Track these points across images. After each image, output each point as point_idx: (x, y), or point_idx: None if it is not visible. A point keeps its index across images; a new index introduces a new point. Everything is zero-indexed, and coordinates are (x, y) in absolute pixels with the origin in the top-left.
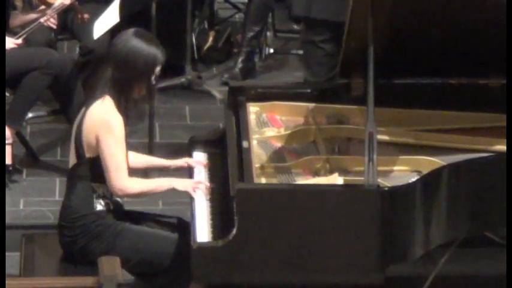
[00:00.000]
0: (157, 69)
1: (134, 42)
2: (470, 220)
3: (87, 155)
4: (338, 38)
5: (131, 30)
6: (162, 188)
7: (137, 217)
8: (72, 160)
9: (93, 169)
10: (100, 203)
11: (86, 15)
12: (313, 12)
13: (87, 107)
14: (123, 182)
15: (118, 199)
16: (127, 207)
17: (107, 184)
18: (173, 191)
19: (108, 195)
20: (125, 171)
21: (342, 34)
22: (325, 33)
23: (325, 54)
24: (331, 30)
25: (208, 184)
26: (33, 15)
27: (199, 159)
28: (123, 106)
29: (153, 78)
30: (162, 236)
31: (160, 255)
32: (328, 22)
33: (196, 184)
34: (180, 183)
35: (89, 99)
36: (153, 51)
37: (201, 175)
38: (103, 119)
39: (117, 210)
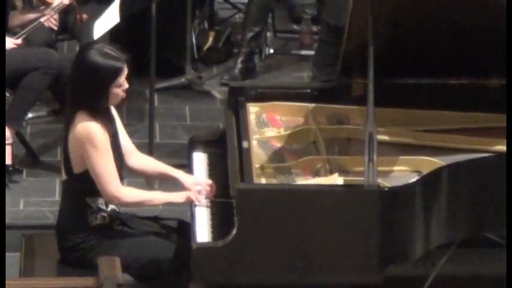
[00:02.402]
0: (118, 80)
1: (89, 57)
2: (470, 220)
3: (76, 171)
4: None
5: (91, 44)
6: (159, 202)
7: (136, 222)
8: (63, 175)
9: (83, 184)
10: (95, 218)
11: (84, 16)
12: (341, 20)
13: (69, 124)
14: (116, 191)
15: (114, 207)
16: (128, 208)
17: (102, 194)
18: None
19: (103, 207)
20: (117, 180)
21: None
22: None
23: (337, 55)
24: None
25: (207, 187)
26: (32, 16)
27: (201, 171)
28: (97, 113)
29: (113, 89)
30: (160, 240)
31: (160, 259)
32: None
33: (195, 191)
34: (179, 196)
35: (68, 116)
36: (110, 62)
37: (202, 174)
38: (84, 134)
39: (114, 219)
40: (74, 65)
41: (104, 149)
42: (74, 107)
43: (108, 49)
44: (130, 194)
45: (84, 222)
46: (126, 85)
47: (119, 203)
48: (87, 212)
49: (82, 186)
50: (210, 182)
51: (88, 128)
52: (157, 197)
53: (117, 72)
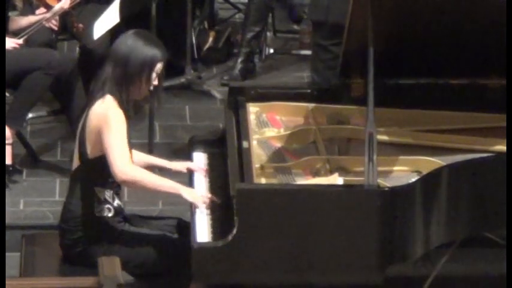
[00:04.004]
0: (158, 66)
1: (133, 41)
2: (470, 220)
3: (90, 155)
4: None
5: (131, 31)
6: (165, 189)
7: (137, 221)
8: (75, 162)
9: (95, 171)
10: (101, 208)
11: (80, 25)
12: (330, 16)
13: (89, 107)
14: (124, 165)
15: (120, 203)
16: (127, 207)
17: (110, 170)
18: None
19: (110, 200)
20: (127, 156)
21: None
22: (336, 37)
23: (334, 57)
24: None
25: (214, 198)
26: (31, 20)
27: (199, 162)
28: (125, 104)
29: (153, 76)
30: (161, 238)
31: (160, 258)
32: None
33: (204, 198)
34: (189, 194)
35: (90, 99)
36: (151, 49)
37: (201, 180)
38: (103, 114)
39: (118, 214)
40: (115, 49)
41: (119, 128)
42: (105, 89)
43: (149, 36)
44: (139, 171)
45: (89, 211)
46: (156, 81)
47: (126, 178)
48: (94, 201)
49: (93, 174)
50: (202, 167)
51: (109, 111)
52: (167, 183)
53: (159, 57)
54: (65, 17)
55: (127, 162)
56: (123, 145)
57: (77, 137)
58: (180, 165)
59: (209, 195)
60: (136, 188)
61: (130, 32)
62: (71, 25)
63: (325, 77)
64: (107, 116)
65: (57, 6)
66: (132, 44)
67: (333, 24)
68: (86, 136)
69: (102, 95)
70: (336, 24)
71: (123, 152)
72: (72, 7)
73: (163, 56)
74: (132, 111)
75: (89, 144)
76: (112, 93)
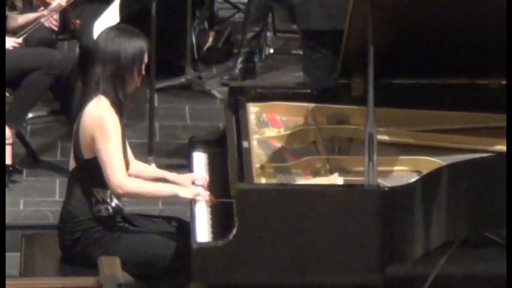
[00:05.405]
0: (145, 57)
1: (118, 37)
2: (470, 220)
3: (85, 156)
4: (335, 42)
5: (109, 28)
6: (163, 193)
7: (137, 220)
8: (72, 163)
9: (92, 172)
10: (99, 209)
11: (78, 21)
12: (311, 24)
13: (83, 109)
14: (120, 179)
15: (118, 203)
16: (127, 207)
17: (106, 183)
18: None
19: (108, 200)
20: (122, 169)
21: (340, 38)
22: (323, 40)
23: (323, 56)
24: (329, 37)
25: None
26: (30, 17)
27: (201, 171)
28: (118, 102)
29: (143, 66)
30: (161, 238)
31: (160, 258)
32: (325, 32)
33: (202, 191)
34: (186, 192)
35: (84, 101)
36: (137, 41)
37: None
38: (97, 119)
39: (117, 214)
40: (101, 47)
41: (114, 137)
42: (97, 90)
43: (129, 29)
44: (135, 184)
45: (87, 211)
46: (143, 71)
47: (123, 193)
48: (92, 201)
49: (90, 174)
50: (206, 177)
51: (103, 115)
52: (164, 188)
53: (145, 48)
54: (63, 13)
55: (123, 176)
56: (119, 157)
57: (72, 139)
58: (183, 180)
59: (200, 178)
60: (134, 198)
61: (110, 28)
62: (68, 21)
63: (317, 77)
64: (101, 123)
65: (54, 3)
66: (117, 40)
67: (314, 31)
68: (80, 137)
69: (96, 96)
70: (316, 31)
71: (119, 164)
72: (70, 4)
73: (148, 45)
74: (127, 109)
75: (83, 146)
76: (105, 93)
